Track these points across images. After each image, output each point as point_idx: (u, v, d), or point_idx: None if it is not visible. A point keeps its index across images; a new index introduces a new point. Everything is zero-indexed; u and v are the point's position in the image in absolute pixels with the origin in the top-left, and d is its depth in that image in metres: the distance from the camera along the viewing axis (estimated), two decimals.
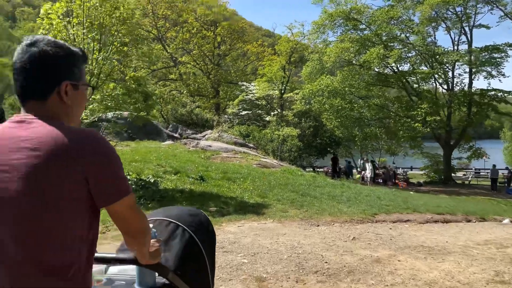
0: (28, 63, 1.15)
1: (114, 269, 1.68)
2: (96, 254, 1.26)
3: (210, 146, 18.58)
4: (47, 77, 1.17)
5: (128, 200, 1.17)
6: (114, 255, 1.46)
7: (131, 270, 1.57)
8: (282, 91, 31.05)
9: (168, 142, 19.68)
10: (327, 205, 8.74)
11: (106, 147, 1.14)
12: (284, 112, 29.60)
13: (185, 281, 1.47)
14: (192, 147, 18.30)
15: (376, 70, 29.16)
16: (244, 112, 30.55)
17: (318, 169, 27.79)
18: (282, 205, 8.56)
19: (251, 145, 22.04)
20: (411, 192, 14.53)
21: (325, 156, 29.97)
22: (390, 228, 6.87)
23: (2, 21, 57.39)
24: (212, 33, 36.89)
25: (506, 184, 25.16)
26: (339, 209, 8.31)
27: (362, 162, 27.00)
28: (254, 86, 31.21)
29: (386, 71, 29.20)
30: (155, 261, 1.36)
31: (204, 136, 21.96)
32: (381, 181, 26.05)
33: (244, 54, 41.48)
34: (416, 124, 24.56)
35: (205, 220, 1.75)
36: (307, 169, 25.51)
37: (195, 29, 36.22)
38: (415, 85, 28.78)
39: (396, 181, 26.22)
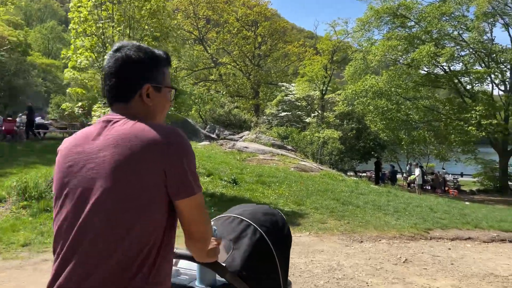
0: (113, 67, 1.24)
1: (184, 262, 1.63)
2: None
3: (246, 147, 17.94)
4: (130, 80, 1.24)
5: (196, 199, 1.17)
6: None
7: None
8: (324, 92, 29.91)
9: (205, 142, 19.25)
10: (372, 217, 7.75)
11: (184, 142, 1.17)
12: (325, 113, 28.46)
13: (252, 283, 1.40)
14: (228, 148, 17.74)
15: (426, 69, 27.37)
16: (283, 113, 29.72)
17: (360, 174, 26.41)
18: (320, 215, 7.68)
19: (290, 147, 21.18)
20: (467, 203, 13.05)
21: (368, 160, 28.51)
22: (449, 249, 5.81)
23: (55, 25, 59.96)
24: (252, 33, 36.40)
25: None
26: (386, 222, 7.30)
27: (409, 167, 25.34)
28: (294, 86, 30.30)
29: (436, 71, 27.31)
30: (212, 260, 1.32)
31: (241, 137, 21.36)
32: (430, 188, 24.31)
33: (285, 55, 40.64)
34: (470, 128, 22.63)
35: (281, 221, 1.66)
36: (348, 174, 24.30)
37: (235, 29, 35.88)
38: (468, 86, 26.67)
39: (447, 188, 24.37)
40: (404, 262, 4.90)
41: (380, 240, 6.10)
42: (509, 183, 26.20)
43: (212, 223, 1.41)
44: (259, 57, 38.15)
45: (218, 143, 19.00)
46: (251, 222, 1.54)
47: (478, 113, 22.59)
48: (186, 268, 1.65)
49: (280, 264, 1.51)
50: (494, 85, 26.15)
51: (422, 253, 5.41)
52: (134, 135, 1.12)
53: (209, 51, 36.33)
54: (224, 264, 1.40)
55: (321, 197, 9.53)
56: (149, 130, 1.13)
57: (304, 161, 18.32)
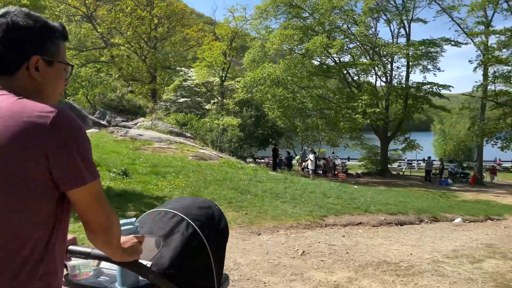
0: None
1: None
2: (72, 247, 1.26)
3: (141, 135, 16.75)
4: (14, 49, 1.10)
5: (91, 188, 1.06)
6: (88, 249, 1.30)
7: None
8: (223, 78, 29.59)
9: (93, 130, 17.47)
10: (270, 206, 7.61)
11: (72, 124, 1.04)
12: (224, 100, 28.22)
13: (180, 281, 1.29)
14: (120, 136, 16.36)
15: (318, 60, 28.80)
16: (182, 99, 28.69)
17: (259, 161, 26.87)
18: None
19: (189, 135, 20.45)
20: (355, 186, 13.94)
21: (266, 147, 29.14)
22: (343, 236, 5.88)
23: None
24: (148, 14, 34.29)
25: (439, 176, 26.00)
26: (284, 211, 7.21)
27: (303, 152, 26.53)
28: (193, 72, 29.43)
29: (328, 62, 28.92)
30: (131, 259, 1.20)
31: (135, 124, 19.95)
32: (322, 172, 25.81)
33: (184, 40, 39.23)
34: (357, 116, 24.44)
35: (218, 214, 1.53)
36: (248, 160, 24.49)
37: (129, 8, 33.40)
38: (356, 77, 28.83)
39: (336, 172, 26.12)
40: (301, 254, 4.74)
41: (277, 231, 5.93)
42: (389, 166, 29.15)
43: (141, 218, 1.36)
44: (155, 40, 36.20)
45: (109, 131, 17.42)
46: (184, 216, 1.45)
47: (363, 102, 24.47)
48: (108, 268, 1.52)
49: (214, 259, 1.44)
50: (377, 77, 28.63)
51: (319, 242, 5.35)
52: (14, 113, 0.99)
53: (99, 30, 33.28)
54: (147, 263, 1.28)
55: (219, 187, 9.15)
56: (31, 109, 1.00)
57: (203, 149, 17.81)
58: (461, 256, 4.67)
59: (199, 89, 29.62)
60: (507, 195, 19.98)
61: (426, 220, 7.90)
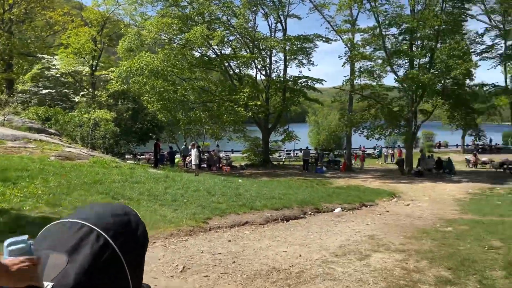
0: None
1: None
2: None
3: None
4: None
5: None
6: None
7: None
8: (94, 68, 26.78)
9: None
10: (147, 211, 6.69)
11: None
12: (96, 92, 25.58)
13: None
14: None
15: (200, 51, 28.09)
16: (45, 91, 25.19)
17: (139, 157, 25.13)
18: None
19: (53, 131, 17.89)
20: (240, 180, 13.71)
21: (147, 142, 27.44)
22: (229, 240, 5.34)
23: None
24: None
25: (315, 164, 27.69)
26: (163, 216, 6.38)
27: (184, 147, 25.63)
28: (58, 59, 26.02)
29: (209, 54, 28.40)
30: (20, 285, 1.05)
31: None
32: (206, 166, 25.33)
33: (48, 24, 34.52)
34: (239, 108, 24.47)
35: (134, 220, 1.28)
36: (127, 157, 22.62)
37: None
38: (237, 70, 28.92)
39: (221, 165, 25.92)
40: (181, 271, 4.03)
41: (154, 243, 5.10)
42: (270, 157, 30.10)
43: (42, 232, 1.18)
44: (10, 22, 31.11)
45: None
46: (93, 227, 1.21)
47: (245, 95, 24.60)
48: None
49: (130, 271, 1.20)
50: (258, 70, 29.13)
51: (202, 252, 4.70)
52: None
53: None
54: (48, 284, 1.07)
55: (86, 192, 7.85)
56: None
57: (70, 147, 15.68)
58: (348, 253, 4.53)
59: (66, 79, 26.37)
60: (372, 180, 22.17)
61: (310, 212, 7.91)
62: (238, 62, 28.00)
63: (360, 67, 25.04)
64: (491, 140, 49.37)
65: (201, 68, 27.69)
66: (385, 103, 24.47)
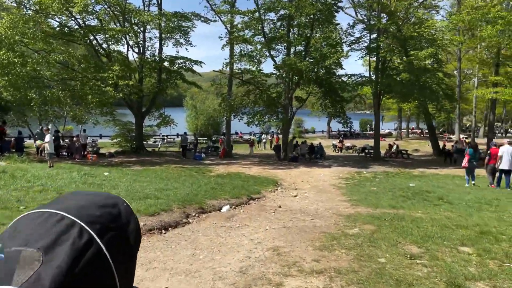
0: None
1: None
2: None
3: None
4: None
5: None
6: None
7: None
8: None
9: None
10: None
11: None
12: None
13: None
14: None
15: (58, 20, 23.92)
16: None
17: None
18: None
19: None
20: (106, 173, 11.52)
21: None
22: None
23: None
24: None
25: (193, 151, 26.34)
26: None
27: (40, 131, 21.64)
28: None
29: (70, 24, 24.40)
30: None
31: None
32: (67, 154, 21.86)
33: None
34: (107, 88, 21.56)
35: (125, 213, 1.11)
36: None
37: None
38: (105, 45, 25.56)
39: (86, 152, 22.69)
40: None
41: None
42: (144, 143, 27.71)
43: (14, 222, 0.94)
44: None
45: None
46: (75, 219, 1.00)
47: (114, 74, 21.79)
48: None
49: (119, 273, 0.99)
50: (129, 47, 26.20)
51: None
52: None
53: None
54: None
55: None
56: None
57: None
58: (254, 284, 3.38)
59: None
60: (252, 166, 21.87)
61: (194, 214, 6.60)
62: (106, 36, 24.71)
63: (241, 50, 24.37)
64: (351, 127, 54.90)
65: (61, 40, 23.65)
66: (264, 89, 24.32)
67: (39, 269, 0.91)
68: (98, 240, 1.03)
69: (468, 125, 57.67)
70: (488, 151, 14.29)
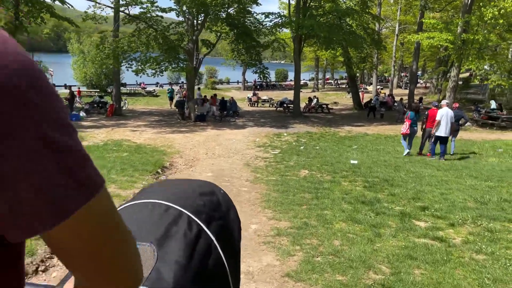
0: None
1: None
2: None
3: None
4: None
5: (95, 207, 0.47)
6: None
7: None
8: None
9: None
10: None
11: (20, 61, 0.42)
12: None
13: None
14: None
15: None
16: None
17: None
18: None
19: None
20: None
21: None
22: None
23: None
24: None
25: (69, 107, 20.40)
26: None
27: None
28: None
29: None
30: None
31: None
32: None
33: None
34: None
35: (224, 201, 1.07)
36: None
37: None
38: None
39: None
40: None
41: None
42: None
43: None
44: None
45: None
46: (183, 210, 0.97)
47: None
48: None
49: (230, 272, 0.96)
50: None
51: None
52: None
53: None
54: None
55: None
56: None
57: None
58: None
59: None
60: (145, 129, 17.05)
61: None
62: None
63: None
64: (267, 78, 51.40)
65: None
66: (160, 29, 18.96)
67: (157, 265, 0.83)
68: (208, 231, 0.93)
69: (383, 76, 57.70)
70: (426, 112, 11.70)
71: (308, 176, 7.65)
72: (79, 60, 34.89)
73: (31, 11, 19.73)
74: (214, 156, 10.92)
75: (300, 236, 4.22)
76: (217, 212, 1.01)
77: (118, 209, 0.86)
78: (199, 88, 27.17)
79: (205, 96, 23.40)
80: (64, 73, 38.94)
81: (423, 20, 20.89)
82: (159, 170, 8.03)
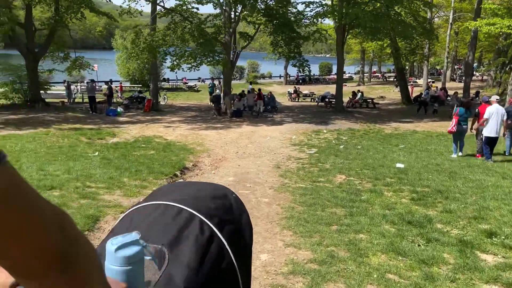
0: None
1: None
2: None
3: None
4: None
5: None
6: None
7: None
8: None
9: None
10: None
11: None
12: None
13: None
14: None
15: None
16: None
17: None
18: None
19: None
20: None
21: None
22: None
23: None
24: None
25: (108, 104, 20.43)
26: None
27: None
28: None
29: None
30: None
31: None
32: None
33: None
34: None
35: (236, 205, 1.08)
36: None
37: None
38: None
39: None
40: None
41: None
42: (43, 93, 21.44)
43: (129, 216, 0.89)
44: None
45: None
46: (195, 213, 0.96)
47: None
48: None
49: (241, 277, 0.96)
50: None
51: None
52: None
53: None
54: None
55: None
56: None
57: None
58: None
59: None
60: (180, 124, 16.56)
61: None
62: None
63: None
64: (309, 71, 49.79)
65: None
66: (196, 22, 18.35)
67: (168, 268, 0.83)
68: (220, 235, 0.93)
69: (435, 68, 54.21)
70: (477, 109, 10.02)
71: (344, 183, 6.59)
72: (123, 55, 35.32)
73: (71, 6, 19.82)
74: (244, 155, 10.09)
75: (322, 277, 3.23)
76: (230, 216, 1.00)
77: (130, 210, 0.90)
78: (251, 83, 27.91)
79: (242, 91, 22.60)
80: (112, 69, 39.75)
81: (482, 6, 18.76)
82: (178, 173, 7.32)
